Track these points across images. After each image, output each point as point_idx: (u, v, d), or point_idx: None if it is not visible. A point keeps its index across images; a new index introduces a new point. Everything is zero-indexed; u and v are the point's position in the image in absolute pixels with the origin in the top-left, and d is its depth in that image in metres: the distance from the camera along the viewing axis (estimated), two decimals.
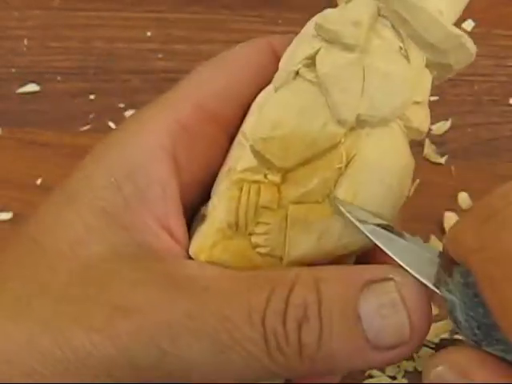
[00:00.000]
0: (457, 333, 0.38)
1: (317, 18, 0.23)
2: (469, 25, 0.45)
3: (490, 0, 0.47)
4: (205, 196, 0.26)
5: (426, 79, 0.24)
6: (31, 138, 0.45)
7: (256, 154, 0.23)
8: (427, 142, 0.42)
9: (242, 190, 0.23)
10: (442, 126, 0.43)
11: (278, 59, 0.25)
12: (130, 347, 0.21)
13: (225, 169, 0.25)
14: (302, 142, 0.23)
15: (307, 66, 0.23)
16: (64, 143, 0.44)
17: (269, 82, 0.25)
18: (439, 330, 0.37)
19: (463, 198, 0.41)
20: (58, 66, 0.48)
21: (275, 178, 0.23)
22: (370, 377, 0.36)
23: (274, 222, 0.23)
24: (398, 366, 0.36)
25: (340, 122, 0.23)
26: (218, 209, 0.24)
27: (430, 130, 0.43)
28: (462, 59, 0.24)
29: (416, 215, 0.40)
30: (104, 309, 0.22)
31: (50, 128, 0.45)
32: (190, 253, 0.24)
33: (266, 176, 0.23)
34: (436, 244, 0.39)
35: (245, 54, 0.27)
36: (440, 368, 0.21)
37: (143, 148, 0.24)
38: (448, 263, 0.22)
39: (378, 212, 0.23)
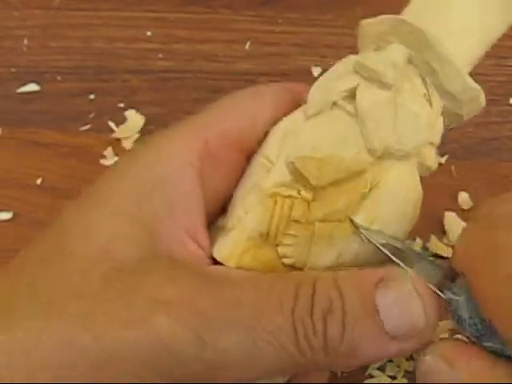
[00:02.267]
0: (457, 333, 0.38)
1: (358, 58, 0.26)
2: None
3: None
4: (220, 210, 0.28)
5: (440, 125, 0.27)
6: (31, 138, 0.45)
7: (294, 170, 0.26)
8: None
9: (276, 202, 0.26)
10: None
11: (295, 96, 0.28)
12: (171, 339, 0.22)
13: (245, 186, 0.27)
14: (337, 165, 0.25)
15: (345, 98, 0.26)
16: (64, 143, 0.44)
17: (286, 115, 0.28)
18: (439, 330, 0.37)
19: (463, 198, 0.41)
20: (58, 66, 0.48)
21: (307, 194, 0.26)
22: (371, 377, 0.36)
23: (302, 235, 0.26)
24: (398, 366, 0.36)
25: (370, 151, 0.25)
26: (248, 219, 0.26)
27: None
28: (473, 110, 0.28)
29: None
30: (143, 303, 0.23)
31: (50, 128, 0.45)
32: (219, 258, 0.26)
33: (299, 192, 0.26)
34: (436, 244, 0.39)
35: (270, 91, 0.29)
36: (428, 357, 0.24)
37: (173, 163, 0.26)
38: (452, 272, 0.25)
39: (392, 235, 0.26)
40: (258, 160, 0.27)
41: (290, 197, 0.26)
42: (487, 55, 0.45)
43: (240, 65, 0.48)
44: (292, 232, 0.26)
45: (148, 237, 0.25)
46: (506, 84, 0.44)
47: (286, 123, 0.27)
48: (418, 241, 0.39)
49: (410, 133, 0.26)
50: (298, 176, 0.26)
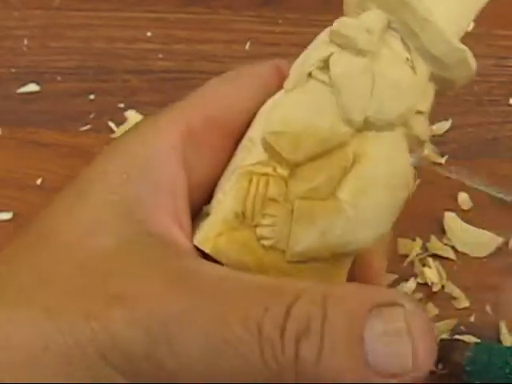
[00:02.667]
0: (457, 333, 0.38)
1: (333, 25, 0.25)
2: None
3: (490, 0, 0.46)
4: (206, 198, 0.27)
5: (430, 92, 0.26)
6: (31, 138, 0.45)
7: (267, 146, 0.24)
8: (427, 142, 0.42)
9: (251, 181, 0.24)
10: (441, 126, 0.43)
11: (283, 79, 0.27)
12: (124, 335, 0.21)
13: (229, 170, 0.26)
14: (312, 139, 0.24)
15: (320, 68, 0.25)
16: (64, 143, 0.44)
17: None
18: (439, 330, 0.37)
19: (463, 198, 0.41)
20: (58, 66, 0.48)
21: (284, 171, 0.24)
22: None
23: (280, 214, 0.24)
24: None
25: (349, 122, 0.24)
26: (225, 201, 0.25)
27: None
28: (464, 74, 0.26)
29: (416, 215, 0.40)
30: (103, 297, 0.22)
31: (50, 128, 0.45)
32: (195, 242, 0.25)
33: (274, 169, 0.24)
34: (436, 244, 0.39)
35: (254, 72, 0.29)
36: None
37: (156, 147, 0.26)
38: None
39: (380, 213, 0.24)
40: (243, 143, 0.27)
41: (265, 174, 0.24)
42: (487, 55, 0.45)
43: (240, 65, 0.48)
44: (270, 212, 0.24)
45: (129, 223, 0.24)
46: (506, 84, 0.44)
47: (268, 103, 0.26)
48: (418, 241, 0.39)
49: (391, 100, 0.24)
50: (272, 152, 0.24)
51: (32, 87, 0.47)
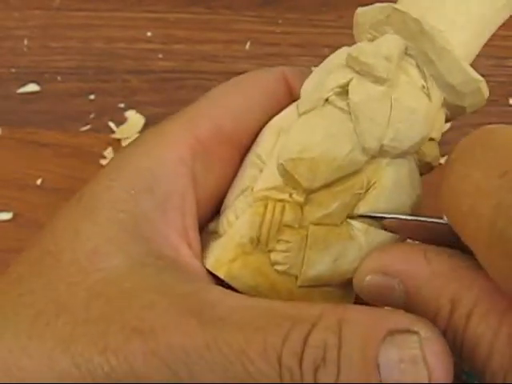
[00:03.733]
0: None
1: (351, 51, 0.25)
2: None
3: None
4: (212, 213, 0.27)
5: (441, 118, 0.26)
6: (31, 138, 0.45)
7: (284, 173, 0.24)
8: None
9: (266, 206, 0.24)
10: None
11: (289, 88, 0.27)
12: (145, 370, 0.21)
13: (237, 187, 0.26)
14: (329, 166, 0.24)
15: (338, 94, 0.25)
16: (64, 143, 0.44)
17: (281, 109, 0.27)
18: None
19: None
20: (58, 66, 0.48)
21: (300, 198, 0.24)
22: None
23: (295, 240, 0.24)
24: None
25: (365, 150, 0.24)
26: (238, 224, 0.25)
27: None
28: (476, 103, 0.26)
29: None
30: (121, 330, 0.22)
31: (50, 128, 0.45)
32: (208, 267, 0.25)
33: (291, 195, 0.24)
34: None
35: (260, 80, 0.28)
36: (368, 278, 0.22)
37: (163, 160, 0.25)
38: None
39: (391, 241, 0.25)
40: (251, 159, 0.26)
41: (281, 201, 0.24)
42: (487, 55, 0.45)
43: (240, 65, 0.48)
44: (284, 237, 0.24)
45: (138, 241, 0.23)
46: (506, 84, 0.44)
47: (278, 119, 0.26)
48: None
49: (407, 129, 0.24)
50: (289, 178, 0.24)
51: (32, 87, 0.47)
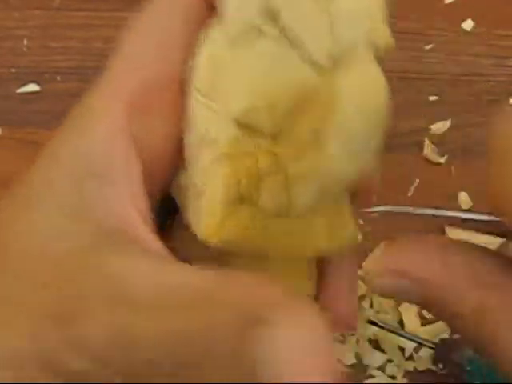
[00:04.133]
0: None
1: None
2: (469, 25, 0.45)
3: (490, 0, 0.47)
4: (175, 165, 0.25)
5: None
6: (31, 138, 0.45)
7: (243, 126, 0.23)
8: (427, 141, 0.42)
9: (237, 165, 0.23)
10: (441, 126, 0.43)
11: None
12: (56, 351, 0.21)
13: (193, 134, 0.24)
14: (286, 102, 0.23)
15: (266, 17, 0.23)
16: None
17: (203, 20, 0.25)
18: (439, 330, 0.37)
19: (463, 198, 0.41)
20: (58, 66, 0.48)
21: (268, 143, 0.23)
22: (371, 377, 0.36)
23: (277, 184, 0.24)
24: (398, 366, 0.37)
25: (314, 65, 0.23)
26: (212, 186, 0.24)
27: (429, 129, 0.43)
28: None
29: (416, 215, 0.40)
30: (42, 316, 0.22)
31: (50, 128, 0.45)
32: (200, 237, 0.24)
33: (258, 145, 0.23)
34: None
35: (177, 5, 0.26)
36: (382, 281, 0.21)
37: (98, 137, 0.24)
38: None
39: (363, 147, 0.24)
40: (194, 97, 0.24)
41: (249, 153, 0.23)
42: (487, 55, 0.45)
43: None
44: (267, 185, 0.23)
45: (83, 225, 0.23)
46: (506, 84, 0.44)
47: (208, 49, 0.24)
48: None
49: (351, 29, 0.23)
50: (250, 130, 0.23)
51: (32, 87, 0.47)
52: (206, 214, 0.24)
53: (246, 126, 0.23)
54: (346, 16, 0.23)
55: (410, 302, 0.22)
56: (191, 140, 0.25)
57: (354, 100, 0.24)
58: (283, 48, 0.23)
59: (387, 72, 0.45)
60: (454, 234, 0.40)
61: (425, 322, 0.38)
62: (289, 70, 0.23)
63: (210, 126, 0.24)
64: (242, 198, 0.24)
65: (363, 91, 0.24)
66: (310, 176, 0.24)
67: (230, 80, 0.23)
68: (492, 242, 0.39)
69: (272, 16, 0.23)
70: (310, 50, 0.23)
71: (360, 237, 0.39)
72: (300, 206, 0.24)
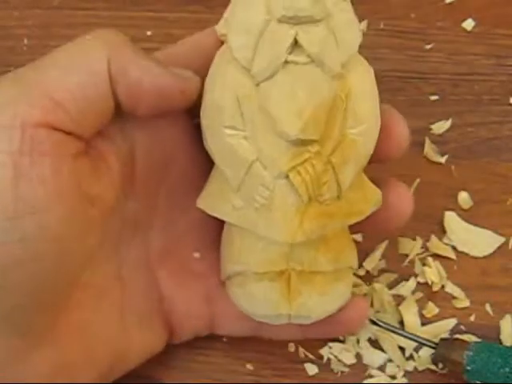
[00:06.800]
0: (457, 332, 0.38)
1: (285, 12, 0.27)
2: (469, 24, 0.45)
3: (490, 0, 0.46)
4: None
5: None
6: None
7: (300, 142, 0.28)
8: (427, 141, 0.42)
9: (300, 173, 0.28)
10: (442, 126, 0.43)
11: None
12: None
13: (235, 168, 0.29)
14: (323, 108, 0.28)
15: (291, 52, 0.28)
16: None
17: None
18: (439, 330, 0.37)
19: (463, 198, 0.41)
20: None
21: (317, 147, 0.29)
22: (370, 377, 0.36)
23: (329, 177, 0.29)
24: (398, 366, 0.36)
25: (335, 77, 0.28)
26: (281, 197, 0.29)
27: (430, 129, 0.43)
28: None
29: (416, 215, 0.40)
30: None
31: None
32: (283, 240, 0.29)
33: (311, 152, 0.28)
34: (436, 244, 0.39)
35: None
36: None
37: None
38: None
39: (377, 116, 0.30)
40: (225, 133, 0.29)
41: (307, 161, 0.28)
42: (487, 54, 0.45)
43: None
44: (324, 180, 0.29)
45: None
46: (506, 84, 0.44)
47: (232, 88, 0.28)
48: (419, 240, 0.39)
49: (351, 36, 0.29)
50: (304, 142, 0.28)
51: None
52: (285, 221, 0.29)
53: (301, 142, 0.28)
54: (345, 26, 0.28)
55: None
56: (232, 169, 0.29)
57: (359, 88, 0.29)
58: (313, 69, 0.28)
59: (387, 72, 0.46)
60: (454, 233, 0.40)
61: (425, 322, 0.38)
62: (320, 85, 0.28)
63: (252, 152, 0.29)
64: (310, 199, 0.29)
65: (364, 80, 0.30)
66: (347, 158, 0.29)
67: (273, 108, 0.28)
68: (494, 240, 0.39)
69: (295, 47, 0.28)
70: (331, 66, 0.28)
71: (360, 237, 0.39)
72: (346, 185, 0.30)
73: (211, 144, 0.30)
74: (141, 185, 0.31)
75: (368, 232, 0.36)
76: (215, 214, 0.31)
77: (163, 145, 0.31)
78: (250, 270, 0.30)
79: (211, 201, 0.31)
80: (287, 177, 0.28)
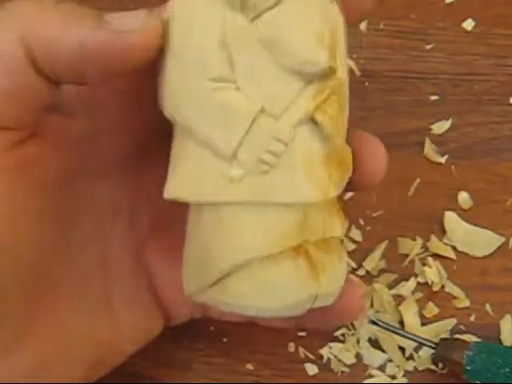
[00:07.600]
0: (456, 332, 0.38)
1: None
2: (469, 24, 0.45)
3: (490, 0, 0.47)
4: None
5: None
6: None
7: (325, 73, 0.24)
8: (427, 141, 0.42)
9: (326, 111, 0.24)
10: (442, 126, 0.43)
11: None
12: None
13: (238, 126, 0.24)
14: (335, 35, 0.25)
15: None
16: None
17: None
18: (439, 330, 0.37)
19: (463, 198, 0.41)
20: None
21: (336, 79, 0.25)
22: (371, 377, 0.36)
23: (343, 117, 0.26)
24: (398, 366, 0.36)
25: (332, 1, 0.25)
26: (304, 144, 0.24)
27: (430, 129, 0.43)
28: None
29: (416, 215, 0.40)
30: None
31: None
32: (312, 199, 0.24)
33: (328, 85, 0.25)
34: (436, 244, 0.39)
35: None
36: None
37: None
38: None
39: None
40: (210, 87, 0.24)
41: (330, 96, 0.24)
42: (487, 54, 0.45)
43: None
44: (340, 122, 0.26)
45: None
46: (506, 84, 0.44)
47: (216, 27, 0.23)
48: (419, 240, 0.39)
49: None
50: (325, 74, 0.24)
51: None
52: (312, 175, 0.24)
53: (325, 72, 0.24)
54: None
55: None
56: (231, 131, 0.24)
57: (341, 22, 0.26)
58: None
59: (388, 72, 0.46)
60: (454, 233, 0.40)
61: (425, 322, 0.38)
62: (326, 7, 0.25)
63: (252, 104, 0.23)
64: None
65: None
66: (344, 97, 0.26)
67: (290, 36, 0.23)
68: (494, 240, 0.39)
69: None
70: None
71: (360, 237, 0.39)
72: (344, 127, 0.26)
73: (184, 107, 0.24)
74: (104, 164, 0.29)
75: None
76: (198, 199, 0.25)
77: (121, 117, 0.29)
78: (259, 255, 0.24)
79: (187, 185, 0.25)
80: (310, 121, 0.24)
